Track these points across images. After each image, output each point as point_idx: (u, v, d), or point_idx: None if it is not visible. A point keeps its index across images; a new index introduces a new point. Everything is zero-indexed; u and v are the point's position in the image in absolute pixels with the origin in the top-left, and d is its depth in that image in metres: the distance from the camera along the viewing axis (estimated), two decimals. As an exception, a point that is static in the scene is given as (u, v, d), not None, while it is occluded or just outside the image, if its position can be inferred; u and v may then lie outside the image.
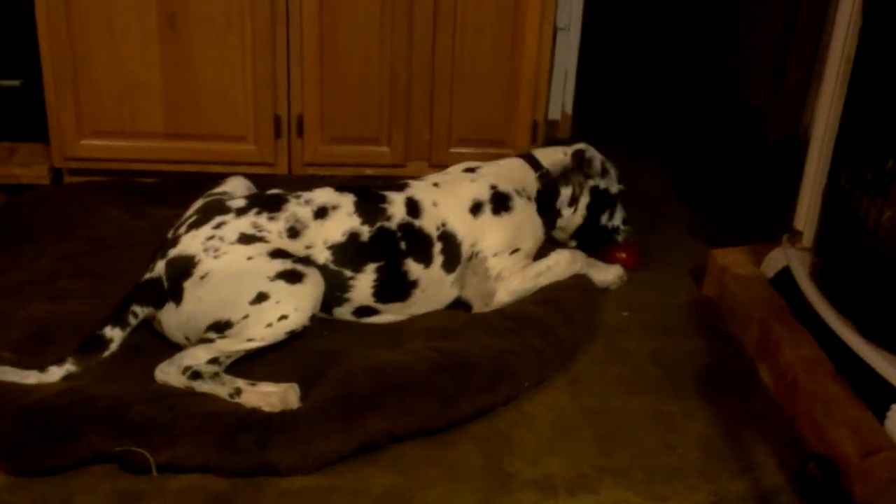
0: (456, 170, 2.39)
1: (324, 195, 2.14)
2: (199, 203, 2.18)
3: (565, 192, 2.45)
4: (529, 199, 2.36)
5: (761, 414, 2.02)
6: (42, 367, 1.86)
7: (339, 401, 1.84)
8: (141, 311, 1.97)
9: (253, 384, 1.87)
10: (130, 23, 2.69)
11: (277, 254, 1.99)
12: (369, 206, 2.15)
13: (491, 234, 2.25)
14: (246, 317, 1.92)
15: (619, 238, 2.58)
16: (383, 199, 2.18)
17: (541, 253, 2.38)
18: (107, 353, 1.93)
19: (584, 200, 2.48)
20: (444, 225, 2.21)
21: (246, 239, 2.00)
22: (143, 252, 2.17)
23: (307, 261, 2.04)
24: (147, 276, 2.02)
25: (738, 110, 3.95)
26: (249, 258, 1.97)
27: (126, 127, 2.79)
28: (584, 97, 3.71)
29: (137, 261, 2.16)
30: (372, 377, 1.91)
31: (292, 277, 1.96)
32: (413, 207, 2.19)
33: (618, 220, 2.58)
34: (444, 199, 2.23)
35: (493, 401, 1.96)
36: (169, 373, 1.89)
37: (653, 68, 4.76)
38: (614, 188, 2.54)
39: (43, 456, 1.71)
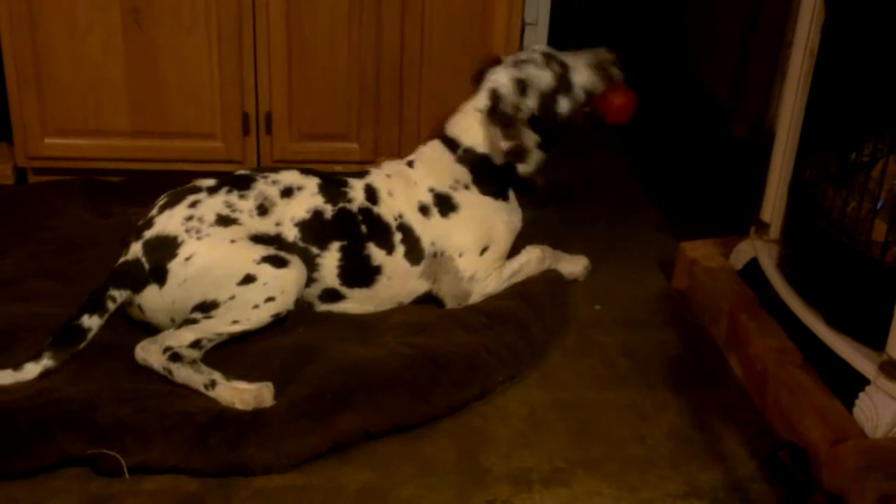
0: (400, 163, 2.33)
1: (289, 176, 2.19)
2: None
3: (497, 153, 2.26)
4: (467, 187, 2.27)
5: (731, 404, 2.04)
6: (17, 366, 1.84)
7: (312, 398, 1.84)
8: (119, 294, 1.95)
9: (228, 380, 1.86)
10: (94, 19, 2.65)
11: (258, 239, 2.03)
12: (332, 188, 2.19)
13: (448, 236, 2.23)
14: (232, 297, 1.94)
15: (599, 89, 2.30)
16: (345, 184, 2.22)
17: (512, 249, 2.37)
18: (84, 344, 1.90)
19: (530, 135, 2.27)
20: (401, 216, 2.21)
21: (224, 221, 2.02)
22: (110, 252, 2.14)
23: (287, 247, 2.07)
24: (122, 259, 2.00)
25: (703, 104, 3.98)
26: (233, 241, 1.99)
27: (90, 125, 2.75)
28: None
29: (104, 261, 2.14)
30: (345, 374, 1.90)
31: (277, 262, 1.99)
32: (371, 194, 2.22)
33: (580, 80, 2.29)
34: (397, 191, 2.24)
35: (466, 396, 1.97)
36: (150, 351, 1.89)
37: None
38: (574, 77, 2.28)
39: (13, 459, 1.68)
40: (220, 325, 1.95)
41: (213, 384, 1.85)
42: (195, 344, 1.92)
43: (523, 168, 2.33)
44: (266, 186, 2.14)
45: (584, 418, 1.97)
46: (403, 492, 1.74)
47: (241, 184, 2.12)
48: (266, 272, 1.97)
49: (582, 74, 2.29)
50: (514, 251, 2.37)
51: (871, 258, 1.83)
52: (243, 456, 1.73)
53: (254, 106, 2.78)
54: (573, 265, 2.49)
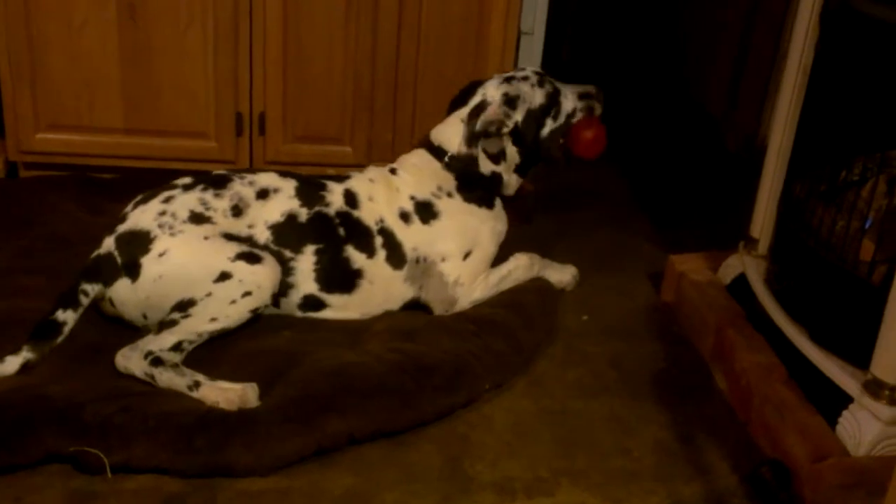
0: (381, 171, 2.34)
1: (267, 178, 2.20)
2: None
3: (485, 163, 2.28)
4: (450, 195, 2.28)
5: (716, 418, 2.05)
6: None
7: (297, 401, 1.84)
8: (91, 288, 1.96)
9: (212, 380, 1.86)
10: (89, 15, 2.64)
11: (231, 237, 2.04)
12: (309, 191, 2.20)
13: (431, 242, 2.23)
14: (209, 294, 1.94)
15: (577, 118, 2.33)
16: (323, 188, 2.22)
17: (500, 256, 2.38)
18: (61, 338, 1.92)
19: (510, 149, 2.30)
20: (382, 221, 2.21)
21: (196, 218, 2.03)
22: (101, 249, 2.13)
23: (258, 246, 2.07)
24: (95, 253, 2.01)
25: (696, 118, 4.00)
26: (206, 238, 2.00)
27: (84, 121, 2.74)
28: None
29: (95, 258, 2.13)
30: (331, 378, 1.91)
31: (251, 259, 2.00)
32: (351, 198, 2.22)
33: (568, 106, 2.33)
34: (378, 196, 2.24)
35: (452, 403, 1.97)
36: (131, 358, 1.89)
37: (615, 73, 4.80)
38: (563, 101, 2.32)
39: (-6, 455, 1.68)
40: (199, 324, 1.95)
41: (196, 385, 1.85)
42: (176, 347, 1.91)
43: (508, 191, 2.37)
44: (242, 187, 2.14)
45: (569, 428, 1.98)
46: (387, 497, 1.74)
47: (218, 183, 2.13)
48: (241, 269, 1.97)
49: (570, 100, 2.34)
50: (502, 259, 2.37)
51: (858, 277, 1.85)
52: (227, 457, 1.73)
53: (248, 106, 2.78)
54: (562, 274, 2.49)
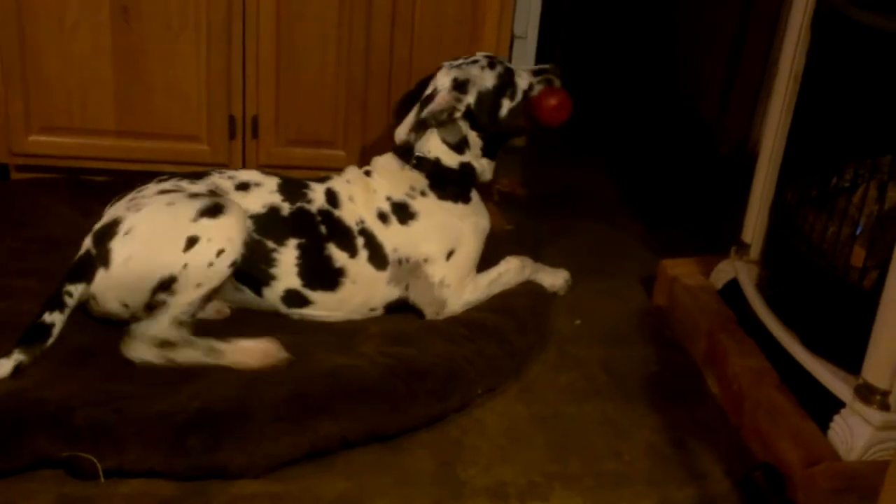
0: (358, 172, 2.34)
1: (248, 174, 2.23)
2: None
3: (450, 155, 2.28)
4: (424, 194, 2.26)
5: (708, 422, 2.06)
6: None
7: (290, 402, 1.84)
8: (74, 289, 1.96)
9: (230, 341, 1.91)
10: (82, 16, 2.63)
11: (194, 195, 2.04)
12: (291, 188, 2.22)
13: (411, 243, 2.23)
14: (185, 266, 1.94)
15: (536, 91, 2.31)
16: (305, 186, 2.24)
17: (491, 260, 2.38)
18: (51, 340, 1.91)
19: (471, 134, 2.28)
20: (363, 222, 2.22)
21: (164, 192, 2.06)
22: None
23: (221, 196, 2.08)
24: (77, 255, 2.03)
25: (689, 122, 4.02)
26: (170, 203, 2.00)
27: (76, 123, 2.73)
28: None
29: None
30: (324, 381, 1.90)
31: (214, 212, 1.99)
32: (332, 198, 2.23)
33: (523, 84, 2.31)
34: (357, 197, 2.25)
35: (445, 407, 1.97)
36: (142, 350, 1.90)
37: (609, 77, 4.81)
38: (517, 80, 2.30)
39: (-14, 459, 1.67)
40: (186, 295, 1.95)
41: (218, 353, 1.89)
42: (175, 322, 1.92)
43: (482, 175, 2.34)
44: (221, 180, 2.17)
45: (562, 432, 1.98)
46: (380, 502, 1.74)
47: (196, 176, 2.18)
48: (206, 227, 1.96)
49: (524, 78, 2.32)
50: (493, 261, 2.37)
51: (849, 283, 1.86)
52: (220, 458, 1.73)
53: (240, 109, 2.77)
54: (554, 277, 2.49)
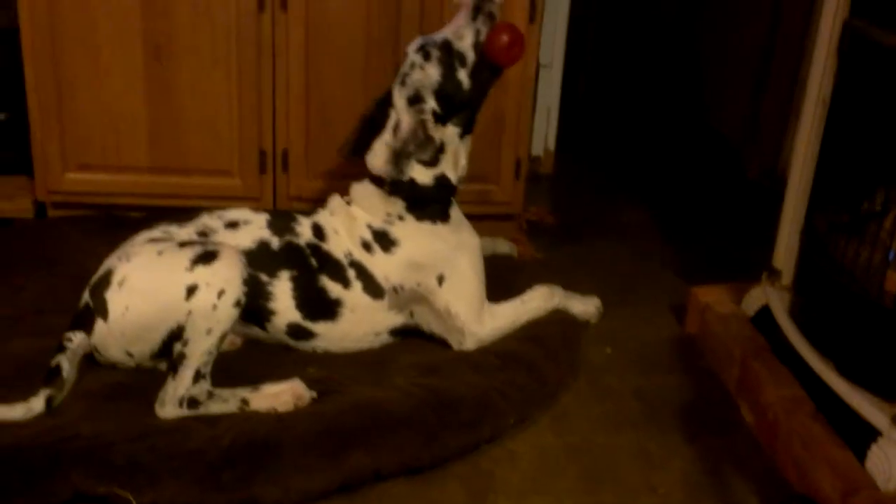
0: (340, 201, 2.31)
1: (237, 213, 2.24)
2: None
3: (423, 172, 2.22)
4: (402, 218, 2.22)
5: (743, 452, 2.04)
6: (24, 401, 1.86)
7: (323, 435, 1.84)
8: (74, 336, 1.97)
9: (256, 388, 1.92)
10: (116, 55, 2.69)
11: (184, 244, 2.03)
12: (280, 223, 2.23)
13: (399, 272, 2.21)
14: (190, 313, 1.92)
15: (484, 35, 2.17)
16: (294, 220, 2.26)
17: (520, 289, 2.37)
18: (64, 382, 1.91)
19: (449, 131, 2.22)
20: (350, 254, 2.22)
21: (153, 240, 2.07)
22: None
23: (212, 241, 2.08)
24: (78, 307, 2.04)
25: (716, 147, 4.00)
26: (160, 252, 2.00)
27: (111, 160, 2.78)
28: (566, 133, 3.75)
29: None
30: (357, 413, 1.91)
31: (207, 258, 1.96)
32: (318, 231, 2.24)
33: (468, 40, 2.19)
34: (341, 229, 2.25)
35: (476, 438, 1.97)
36: (174, 413, 1.90)
37: (634, 103, 4.82)
38: (459, 44, 2.19)
39: (26, 494, 1.69)
40: (200, 344, 1.92)
41: (245, 402, 1.91)
42: (197, 377, 1.92)
43: (454, 176, 2.25)
44: (210, 220, 2.20)
45: (594, 464, 1.97)
46: (412, 535, 1.74)
47: (184, 218, 2.20)
48: (202, 274, 1.94)
49: (466, 35, 2.19)
50: (523, 290, 2.34)
51: (884, 308, 1.84)
52: (254, 493, 1.74)
53: (271, 144, 2.81)
54: (585, 305, 2.48)
